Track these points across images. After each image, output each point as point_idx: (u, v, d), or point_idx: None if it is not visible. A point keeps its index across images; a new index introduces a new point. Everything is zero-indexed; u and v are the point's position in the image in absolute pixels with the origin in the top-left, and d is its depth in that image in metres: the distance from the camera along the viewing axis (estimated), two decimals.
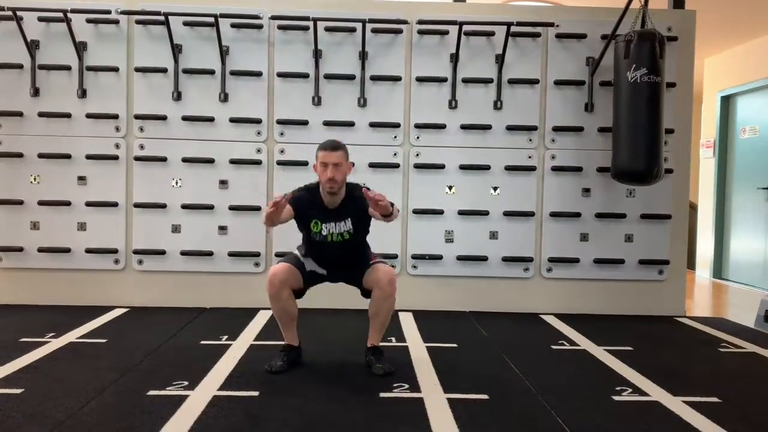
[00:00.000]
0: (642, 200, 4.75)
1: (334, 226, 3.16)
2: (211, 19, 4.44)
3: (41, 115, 4.56)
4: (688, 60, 4.78)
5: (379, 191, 2.95)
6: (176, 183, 4.64)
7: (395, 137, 4.69)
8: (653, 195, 4.73)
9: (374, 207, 2.97)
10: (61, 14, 4.40)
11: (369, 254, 3.29)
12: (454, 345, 3.75)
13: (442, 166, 4.69)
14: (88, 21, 4.55)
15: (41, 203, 4.59)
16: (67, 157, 4.58)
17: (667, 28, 4.68)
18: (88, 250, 4.60)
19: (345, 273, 3.29)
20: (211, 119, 4.62)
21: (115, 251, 4.61)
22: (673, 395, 2.92)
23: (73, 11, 4.42)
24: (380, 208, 2.95)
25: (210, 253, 4.64)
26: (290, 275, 3.15)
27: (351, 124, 4.65)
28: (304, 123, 4.64)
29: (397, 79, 4.66)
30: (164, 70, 4.60)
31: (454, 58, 4.64)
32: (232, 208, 4.64)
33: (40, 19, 4.52)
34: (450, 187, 4.72)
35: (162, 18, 4.41)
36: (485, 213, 4.72)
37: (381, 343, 3.30)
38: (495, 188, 4.73)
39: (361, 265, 3.23)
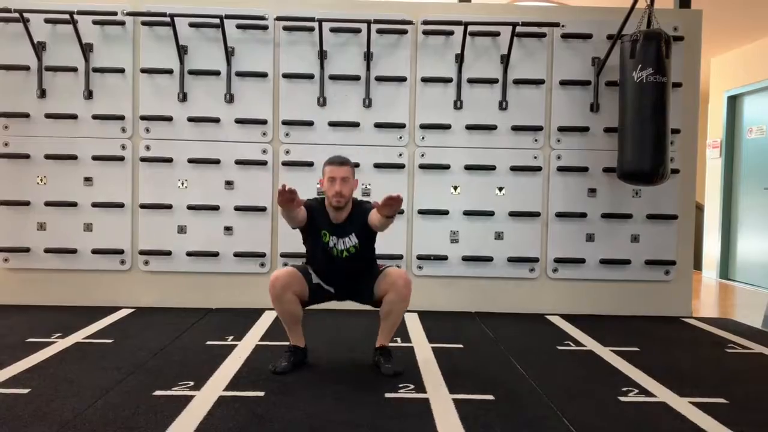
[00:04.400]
0: (648, 200, 4.73)
1: (340, 241, 3.15)
2: (217, 20, 4.46)
3: (48, 116, 4.58)
4: (695, 60, 4.77)
5: (383, 191, 2.92)
6: (182, 184, 4.65)
7: (400, 138, 4.69)
8: (659, 195, 4.71)
9: (383, 205, 2.86)
10: (67, 16, 4.42)
11: (377, 267, 3.25)
12: (460, 345, 3.75)
13: (447, 167, 4.69)
14: (94, 22, 4.57)
15: (48, 204, 4.61)
16: (74, 158, 4.60)
17: (674, 27, 4.67)
18: (95, 251, 4.62)
19: (353, 290, 3.27)
20: (216, 120, 4.63)
21: (121, 252, 4.63)
22: (680, 396, 2.91)
23: (80, 13, 4.45)
24: (389, 207, 2.85)
25: (216, 254, 4.65)
26: (293, 280, 3.13)
27: (356, 124, 4.65)
28: (310, 124, 4.65)
29: (402, 79, 4.67)
30: (170, 71, 4.61)
31: (460, 59, 4.63)
32: (237, 208, 4.65)
33: (47, 21, 4.54)
34: (455, 188, 4.71)
35: (168, 19, 4.43)
36: (491, 213, 4.71)
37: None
38: (500, 188, 4.72)
39: (369, 279, 3.20)
